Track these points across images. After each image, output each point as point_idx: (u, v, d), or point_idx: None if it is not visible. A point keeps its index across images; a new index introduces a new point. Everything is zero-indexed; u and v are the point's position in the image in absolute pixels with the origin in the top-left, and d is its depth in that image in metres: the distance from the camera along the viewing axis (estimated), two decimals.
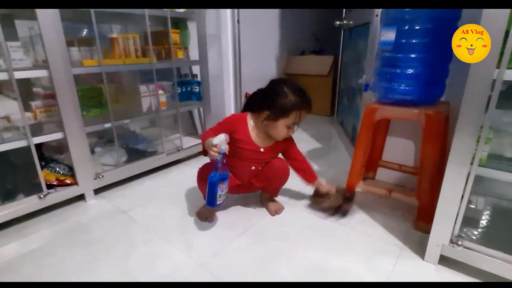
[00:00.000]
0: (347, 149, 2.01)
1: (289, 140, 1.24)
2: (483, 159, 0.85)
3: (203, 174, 1.18)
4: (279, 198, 1.36)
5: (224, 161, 1.05)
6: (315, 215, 1.26)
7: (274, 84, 1.13)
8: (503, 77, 0.73)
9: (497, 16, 0.70)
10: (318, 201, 1.28)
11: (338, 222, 1.21)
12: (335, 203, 1.24)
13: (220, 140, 1.00)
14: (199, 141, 1.93)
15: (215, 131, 1.13)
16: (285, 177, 1.23)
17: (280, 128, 1.12)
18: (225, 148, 1.01)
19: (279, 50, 3.07)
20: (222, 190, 1.07)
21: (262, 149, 1.16)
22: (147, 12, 1.45)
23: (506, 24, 0.70)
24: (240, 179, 1.22)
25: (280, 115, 1.09)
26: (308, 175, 1.26)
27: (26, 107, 1.23)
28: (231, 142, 1.12)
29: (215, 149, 1.00)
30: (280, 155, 1.26)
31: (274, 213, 1.27)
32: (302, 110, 1.10)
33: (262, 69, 2.89)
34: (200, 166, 1.23)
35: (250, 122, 1.17)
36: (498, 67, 0.73)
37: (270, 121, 1.11)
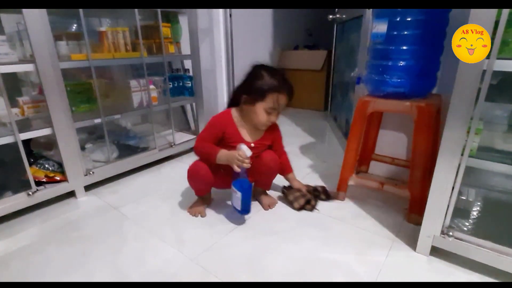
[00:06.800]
0: (341, 143, 2.01)
1: (276, 131, 1.23)
2: (473, 150, 0.86)
3: (196, 173, 1.16)
4: (271, 193, 1.36)
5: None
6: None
7: (252, 68, 1.13)
8: (493, 68, 0.73)
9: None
10: (286, 193, 1.31)
11: (331, 215, 1.21)
12: (300, 198, 1.25)
13: (247, 150, 1.04)
14: (192, 136, 1.92)
15: (208, 139, 1.13)
16: (276, 169, 1.23)
17: (259, 113, 1.09)
18: (250, 153, 1.06)
19: (272, 45, 3.05)
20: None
21: (253, 144, 1.16)
22: None
23: (495, 14, 0.69)
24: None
25: (257, 98, 1.07)
26: (284, 167, 1.30)
27: (14, 103, 1.20)
28: (223, 142, 1.13)
29: (247, 160, 1.03)
30: None
31: (267, 207, 1.26)
32: (280, 94, 1.08)
33: None
34: (191, 164, 1.18)
35: (236, 117, 1.15)
36: (488, 57, 0.73)
37: (248, 105, 1.10)
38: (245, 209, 1.12)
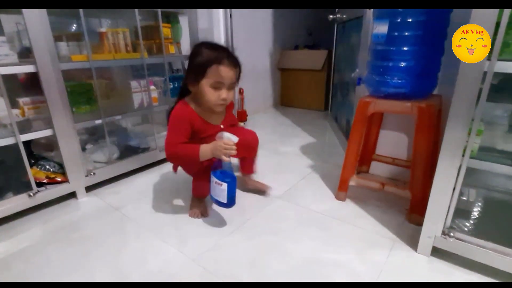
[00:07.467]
0: (341, 144, 2.01)
1: (230, 108, 1.21)
2: (474, 151, 0.86)
3: (200, 185, 1.20)
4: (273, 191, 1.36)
5: None
6: (309, 209, 1.26)
7: (193, 48, 1.07)
8: (494, 69, 0.73)
9: None
10: None
11: (331, 215, 1.21)
12: None
13: (232, 136, 1.01)
14: None
15: (179, 139, 1.05)
16: (256, 141, 1.23)
17: (206, 91, 1.02)
18: (236, 139, 1.03)
19: (272, 45, 3.05)
20: None
21: (222, 126, 1.12)
22: None
23: (497, 15, 0.69)
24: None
25: (199, 75, 1.01)
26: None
27: (14, 104, 1.20)
28: (195, 136, 1.09)
29: (234, 147, 1.00)
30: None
31: (268, 188, 1.29)
32: (220, 65, 1.00)
33: (256, 64, 2.87)
34: (194, 182, 1.22)
35: (191, 106, 1.09)
36: (489, 59, 0.73)
37: (195, 87, 1.04)
38: (231, 202, 1.06)
